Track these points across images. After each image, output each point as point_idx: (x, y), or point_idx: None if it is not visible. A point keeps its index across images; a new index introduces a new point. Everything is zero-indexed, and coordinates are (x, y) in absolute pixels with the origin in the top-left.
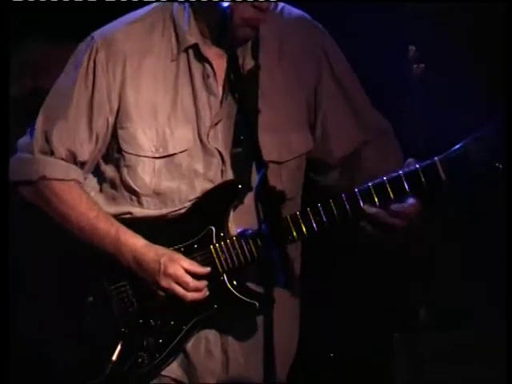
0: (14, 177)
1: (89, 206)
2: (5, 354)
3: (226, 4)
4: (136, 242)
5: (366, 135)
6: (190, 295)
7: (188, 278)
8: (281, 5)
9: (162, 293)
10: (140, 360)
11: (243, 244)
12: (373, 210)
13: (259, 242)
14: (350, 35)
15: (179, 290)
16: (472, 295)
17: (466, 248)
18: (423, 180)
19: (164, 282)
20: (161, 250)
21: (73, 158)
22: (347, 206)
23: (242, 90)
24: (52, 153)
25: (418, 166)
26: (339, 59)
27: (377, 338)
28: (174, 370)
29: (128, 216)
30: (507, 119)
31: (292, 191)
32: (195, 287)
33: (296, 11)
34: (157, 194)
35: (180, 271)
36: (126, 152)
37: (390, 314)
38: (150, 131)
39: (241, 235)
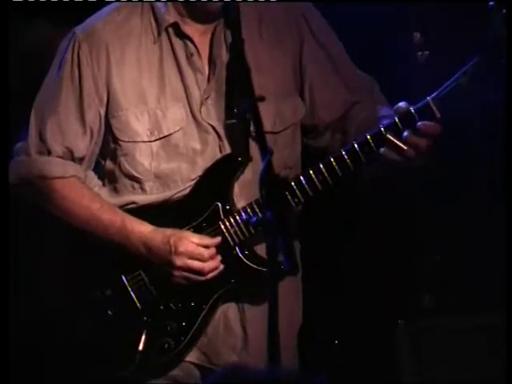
0: (13, 180)
1: (91, 199)
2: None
3: None
4: (143, 229)
5: (354, 96)
6: (207, 266)
7: (201, 250)
8: None
9: (178, 273)
10: (166, 345)
11: (251, 214)
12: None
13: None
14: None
15: (195, 264)
16: (475, 281)
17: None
18: (418, 119)
19: (178, 261)
20: (168, 231)
21: (70, 155)
22: (364, 150)
23: (227, 64)
24: (49, 152)
25: (412, 107)
26: (319, 23)
27: (380, 324)
28: (191, 353)
29: (132, 206)
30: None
31: (290, 160)
32: (210, 256)
33: None
34: (158, 177)
35: (191, 246)
36: (121, 140)
37: (393, 301)
38: (141, 116)
39: (247, 221)
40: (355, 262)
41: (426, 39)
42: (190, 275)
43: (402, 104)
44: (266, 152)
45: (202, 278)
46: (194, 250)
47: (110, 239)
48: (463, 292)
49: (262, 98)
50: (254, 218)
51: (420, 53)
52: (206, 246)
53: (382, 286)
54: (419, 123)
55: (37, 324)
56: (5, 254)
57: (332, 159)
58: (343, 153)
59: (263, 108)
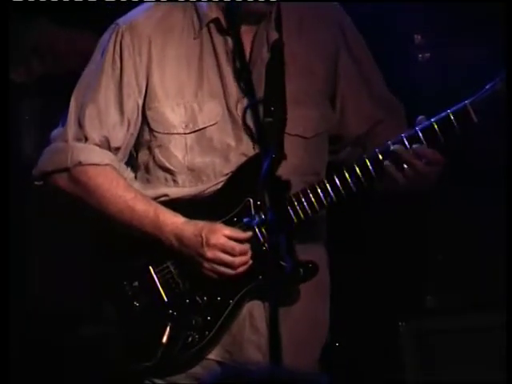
0: (47, 167)
1: (126, 188)
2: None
3: None
4: (175, 220)
5: (380, 113)
6: (238, 260)
7: (232, 243)
8: None
9: (208, 265)
10: (190, 339)
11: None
12: (397, 146)
13: (301, 205)
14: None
15: (226, 257)
16: (477, 281)
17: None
18: (455, 124)
19: (209, 253)
20: (200, 223)
21: (107, 144)
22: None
23: (267, 64)
24: (86, 139)
25: (449, 110)
26: (355, 35)
27: (383, 325)
28: (214, 350)
29: (164, 198)
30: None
31: (317, 166)
32: (241, 251)
33: None
34: (191, 170)
35: (223, 239)
36: (156, 132)
37: (395, 302)
38: (178, 108)
39: (247, 223)
40: (357, 263)
41: (426, 41)
42: (220, 268)
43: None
44: (268, 153)
45: (232, 272)
46: (226, 243)
47: (143, 229)
48: (465, 292)
49: (294, 101)
50: (256, 220)
51: (421, 55)
52: (238, 240)
53: (384, 286)
54: (415, 146)
55: (62, 313)
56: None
57: (356, 167)
58: (368, 162)
59: (296, 109)
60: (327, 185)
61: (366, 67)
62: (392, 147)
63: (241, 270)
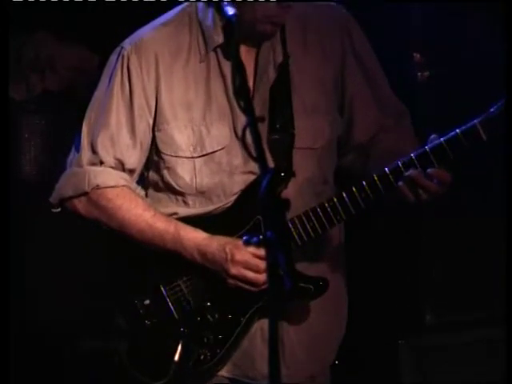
0: (66, 192)
1: (145, 207)
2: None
3: (231, 11)
4: (197, 235)
5: (386, 119)
6: (262, 277)
7: (257, 261)
8: None
9: (232, 281)
10: (202, 357)
11: (292, 228)
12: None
13: (310, 222)
14: None
15: (250, 274)
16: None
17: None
18: (465, 143)
19: (234, 270)
20: (223, 239)
21: (121, 166)
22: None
23: (273, 82)
24: (101, 163)
25: (458, 130)
26: (362, 40)
27: (382, 345)
28: (225, 366)
29: (174, 217)
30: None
31: (328, 175)
32: (264, 269)
33: None
34: (201, 192)
35: (248, 256)
36: (164, 154)
37: (394, 320)
38: (186, 130)
39: (246, 242)
40: (356, 281)
41: (426, 59)
42: (244, 285)
43: (433, 136)
44: (266, 170)
45: (255, 290)
46: (250, 260)
47: (165, 246)
48: (464, 308)
49: (302, 114)
50: (255, 238)
51: (420, 73)
52: (261, 258)
53: (383, 304)
54: (429, 170)
55: (72, 329)
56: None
57: (365, 184)
58: (376, 178)
59: (305, 123)
60: (337, 203)
61: (372, 73)
62: (406, 173)
63: (264, 287)
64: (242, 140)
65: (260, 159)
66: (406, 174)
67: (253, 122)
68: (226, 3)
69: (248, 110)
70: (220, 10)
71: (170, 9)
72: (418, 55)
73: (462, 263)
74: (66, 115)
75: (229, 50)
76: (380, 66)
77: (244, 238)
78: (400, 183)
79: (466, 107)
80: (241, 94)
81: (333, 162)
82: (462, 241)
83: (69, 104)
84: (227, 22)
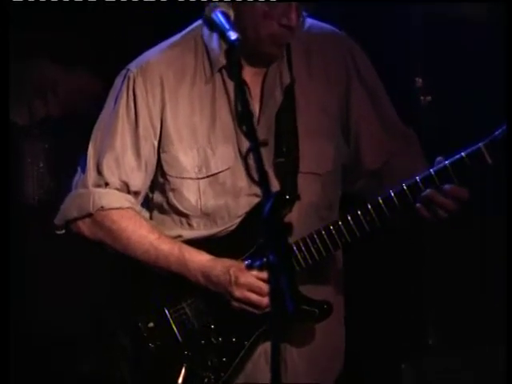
0: (71, 214)
1: (149, 229)
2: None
3: (233, 36)
4: (202, 258)
5: (395, 145)
6: (266, 300)
7: (261, 283)
8: (309, 21)
9: (236, 304)
10: (206, 380)
11: (296, 251)
12: (429, 191)
13: (315, 245)
14: None
15: (254, 297)
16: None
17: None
18: (469, 165)
19: (237, 292)
20: (227, 261)
21: (126, 188)
22: (401, 200)
23: (279, 105)
24: (106, 184)
25: (463, 153)
26: (366, 66)
27: (385, 368)
28: None
29: (179, 239)
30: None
31: (332, 200)
32: (268, 291)
33: (325, 25)
34: (205, 213)
35: (251, 278)
36: (169, 175)
37: (397, 343)
38: (191, 152)
39: (249, 266)
40: (357, 304)
41: (428, 84)
42: (248, 308)
43: (439, 159)
44: (269, 193)
45: (259, 312)
46: (254, 282)
47: (169, 268)
48: (465, 329)
49: (307, 138)
50: (258, 262)
51: (422, 97)
52: (265, 280)
53: (385, 328)
54: (447, 186)
55: (73, 349)
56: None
57: (370, 206)
58: (380, 201)
59: (310, 147)
60: (341, 226)
61: (378, 100)
62: (424, 193)
63: (267, 310)
64: (245, 163)
65: (262, 183)
66: (423, 193)
67: (255, 147)
68: (228, 28)
69: (250, 134)
70: (223, 35)
71: (176, 27)
72: (420, 80)
73: (464, 282)
74: (69, 139)
75: (232, 73)
76: (386, 93)
77: (246, 261)
78: (417, 204)
79: (469, 131)
80: (243, 118)
81: (338, 187)
82: (466, 262)
83: (71, 128)
84: (230, 46)
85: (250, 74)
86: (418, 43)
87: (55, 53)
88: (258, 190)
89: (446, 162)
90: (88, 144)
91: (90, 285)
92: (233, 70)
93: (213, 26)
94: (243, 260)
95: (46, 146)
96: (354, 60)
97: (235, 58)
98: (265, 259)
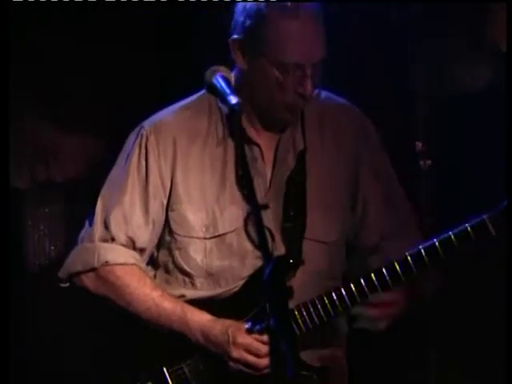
0: (74, 267)
1: (153, 287)
2: None
3: (234, 100)
4: (202, 317)
5: (395, 229)
6: (263, 362)
7: (258, 345)
8: (324, 93)
9: (233, 364)
10: None
11: (297, 315)
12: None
13: (316, 310)
14: None
15: (251, 358)
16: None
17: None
18: (473, 237)
19: (235, 353)
20: (227, 322)
21: (132, 244)
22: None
23: (291, 170)
24: (112, 239)
25: (467, 224)
26: (377, 142)
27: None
28: None
29: (181, 299)
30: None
31: (336, 270)
32: (266, 353)
33: (339, 99)
34: (209, 274)
35: (249, 339)
36: (177, 234)
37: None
38: (199, 212)
39: (249, 329)
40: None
41: (428, 148)
42: (245, 369)
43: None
44: (269, 257)
45: (256, 373)
46: (252, 343)
47: (170, 327)
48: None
49: (316, 207)
50: (258, 326)
51: (422, 162)
52: (264, 342)
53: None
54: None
55: None
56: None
57: (372, 274)
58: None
59: (318, 215)
60: (343, 292)
61: (386, 179)
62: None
63: (266, 371)
64: (250, 226)
65: (262, 247)
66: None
67: (256, 210)
68: (229, 92)
69: (250, 198)
70: (224, 100)
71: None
72: (420, 144)
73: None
74: (70, 203)
75: (246, 135)
76: (395, 173)
77: (247, 324)
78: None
79: (469, 196)
80: (244, 183)
81: (342, 258)
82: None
83: (72, 192)
84: (230, 110)
85: (264, 138)
86: (419, 106)
87: (57, 118)
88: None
89: (450, 233)
90: (94, 203)
91: (91, 342)
92: (234, 133)
93: (213, 90)
94: (244, 322)
95: (46, 209)
96: (366, 136)
97: (236, 122)
98: (265, 322)
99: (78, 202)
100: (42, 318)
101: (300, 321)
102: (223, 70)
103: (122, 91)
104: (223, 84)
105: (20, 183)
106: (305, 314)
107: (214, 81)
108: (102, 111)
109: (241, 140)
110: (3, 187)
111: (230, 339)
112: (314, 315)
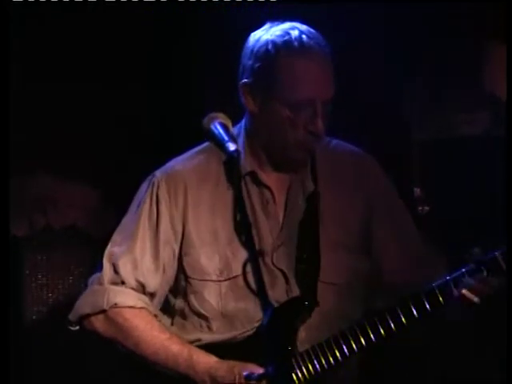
0: (84, 310)
1: (161, 329)
2: None
3: (232, 147)
4: (209, 360)
5: (407, 266)
6: None
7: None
8: (334, 141)
9: None
10: None
11: (313, 357)
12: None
13: (331, 353)
14: None
15: None
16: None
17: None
18: (485, 273)
19: None
20: (232, 362)
21: (142, 289)
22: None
23: (302, 212)
24: (122, 283)
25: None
26: (388, 186)
27: None
28: None
29: (197, 343)
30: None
31: (349, 313)
32: None
33: (350, 146)
34: (225, 316)
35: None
36: (191, 278)
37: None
38: (212, 255)
39: (247, 377)
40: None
41: (426, 194)
42: None
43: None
44: (268, 307)
45: None
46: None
47: (177, 369)
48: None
49: (329, 249)
50: (255, 374)
51: (420, 208)
52: None
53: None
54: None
55: None
56: None
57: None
58: (386, 313)
59: (329, 258)
60: (348, 336)
61: (401, 225)
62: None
63: None
64: (243, 275)
65: (260, 294)
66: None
67: (254, 257)
68: (227, 139)
69: (248, 244)
70: (222, 147)
71: None
72: (418, 190)
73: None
74: (68, 251)
75: (257, 179)
76: (408, 214)
77: (245, 373)
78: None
79: (467, 240)
80: (241, 228)
81: (356, 301)
82: None
83: (71, 240)
84: (229, 157)
85: (274, 180)
86: (415, 151)
87: (55, 169)
88: (278, 296)
89: (463, 270)
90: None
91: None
92: (234, 180)
93: (211, 137)
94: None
95: (44, 257)
96: (377, 181)
97: (235, 169)
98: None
99: (76, 250)
100: (38, 368)
101: (315, 362)
102: (221, 116)
103: (119, 140)
104: (221, 131)
105: (18, 232)
106: (314, 358)
107: (212, 127)
108: (99, 159)
109: (239, 186)
110: (3, 236)
111: (237, 377)
112: (322, 359)
